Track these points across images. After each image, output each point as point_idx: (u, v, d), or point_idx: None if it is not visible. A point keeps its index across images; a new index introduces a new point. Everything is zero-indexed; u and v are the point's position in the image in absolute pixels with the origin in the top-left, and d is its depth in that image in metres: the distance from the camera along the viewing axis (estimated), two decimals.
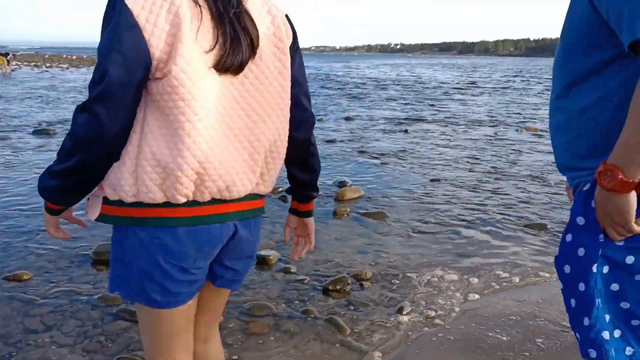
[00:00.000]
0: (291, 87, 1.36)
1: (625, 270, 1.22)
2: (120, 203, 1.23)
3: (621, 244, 1.20)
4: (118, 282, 1.31)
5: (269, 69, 1.29)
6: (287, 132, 1.38)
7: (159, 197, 1.20)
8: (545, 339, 2.61)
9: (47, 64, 39.99)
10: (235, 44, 1.20)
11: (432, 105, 15.03)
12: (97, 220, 1.26)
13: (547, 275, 3.46)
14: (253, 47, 1.24)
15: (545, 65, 61.38)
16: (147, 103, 1.18)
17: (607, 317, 1.25)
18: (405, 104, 15.31)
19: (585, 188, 1.25)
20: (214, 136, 1.21)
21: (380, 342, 2.62)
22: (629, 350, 1.26)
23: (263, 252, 3.68)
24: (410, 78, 29.10)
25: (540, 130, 10.31)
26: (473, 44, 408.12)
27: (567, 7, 1.28)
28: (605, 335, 1.24)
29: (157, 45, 1.12)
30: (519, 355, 2.47)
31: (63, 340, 2.57)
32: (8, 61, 28.28)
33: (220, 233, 1.30)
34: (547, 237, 4.21)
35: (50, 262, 3.50)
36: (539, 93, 20.11)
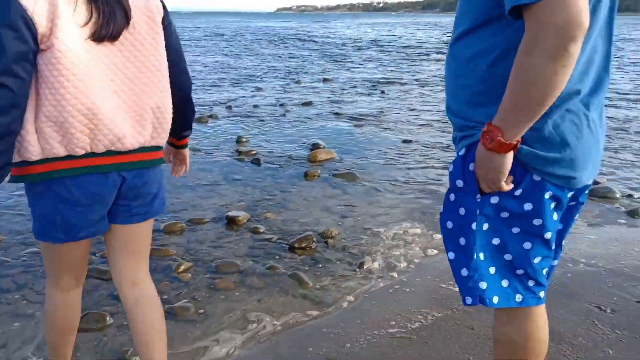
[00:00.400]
0: (170, 54, 1.62)
1: (505, 223, 1.35)
2: (27, 163, 1.44)
3: (495, 200, 1.33)
4: (40, 228, 1.54)
5: (143, 37, 1.53)
6: (169, 91, 1.61)
7: (61, 152, 1.43)
8: None
9: None
10: (110, 17, 1.42)
11: (411, 65, 15.01)
12: (9, 181, 1.46)
13: None
14: (127, 19, 1.47)
15: None
16: (38, 77, 1.39)
17: (493, 269, 1.39)
18: (384, 65, 15.27)
19: (461, 153, 1.36)
20: (98, 96, 1.43)
21: (339, 295, 2.77)
22: (518, 297, 1.40)
23: (233, 213, 3.78)
24: (391, 38, 28.82)
25: None
26: (455, 0, 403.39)
27: None
28: (482, 285, 1.37)
29: (39, 21, 1.33)
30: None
31: (34, 297, 2.67)
32: None
33: (107, 181, 1.52)
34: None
35: (23, 225, 3.55)
36: None
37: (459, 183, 1.37)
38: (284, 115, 7.84)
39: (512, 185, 1.30)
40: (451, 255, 1.43)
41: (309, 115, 7.84)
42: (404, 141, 6.22)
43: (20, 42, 1.31)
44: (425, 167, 5.17)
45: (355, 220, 3.81)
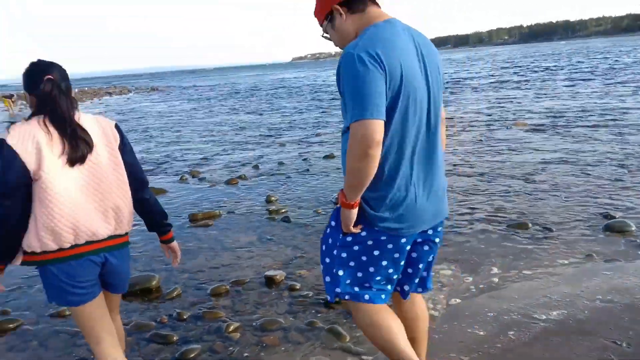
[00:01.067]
0: (126, 167, 2.26)
1: (356, 252, 2.12)
2: (32, 253, 2.13)
3: (349, 239, 2.11)
4: (52, 298, 2.22)
5: (104, 157, 2.19)
6: (128, 195, 2.27)
7: (54, 246, 2.10)
8: (516, 331, 3.03)
9: None
10: (76, 147, 2.10)
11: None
12: (20, 264, 2.17)
13: (529, 273, 3.86)
14: (89, 146, 2.14)
15: (538, 51, 61.59)
16: (34, 196, 2.07)
17: (349, 280, 2.16)
18: None
19: (338, 205, 2.12)
20: (77, 206, 2.11)
21: (375, 349, 3.04)
22: (366, 297, 2.17)
23: (270, 272, 4.12)
24: None
25: (530, 125, 10.72)
26: (467, 36, 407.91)
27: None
28: (338, 289, 2.17)
29: (29, 162, 2.02)
30: (493, 347, 2.89)
31: None
32: (13, 102, 29.02)
33: (95, 258, 2.20)
34: (528, 235, 4.62)
35: None
36: (530, 85, 20.46)
37: (332, 223, 2.18)
38: (308, 170, 8.25)
39: (359, 229, 2.06)
40: (322, 266, 2.26)
41: (332, 167, 8.24)
42: None
43: (18, 177, 2.02)
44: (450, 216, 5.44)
45: None
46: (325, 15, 2.09)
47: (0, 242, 2.09)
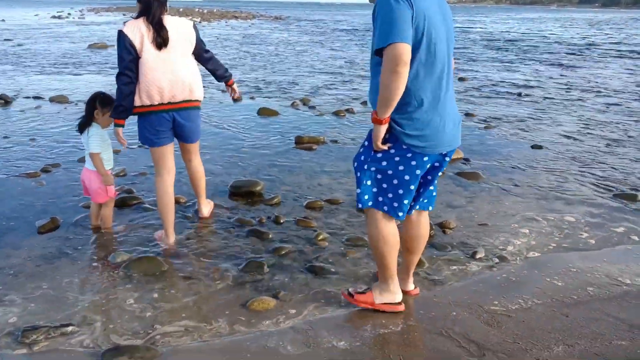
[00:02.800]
0: (199, 49, 3.45)
1: (383, 167, 2.49)
2: (133, 107, 3.27)
3: (379, 155, 2.48)
4: (141, 138, 3.42)
5: (179, 45, 3.30)
6: (197, 73, 3.42)
7: (147, 102, 3.25)
8: (596, 288, 3.03)
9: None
10: (158, 37, 3.21)
11: (555, 67, 14.41)
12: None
13: (623, 239, 3.75)
14: (166, 39, 3.23)
15: None
16: (137, 68, 3.21)
17: (375, 189, 2.55)
18: (525, 65, 14.83)
19: (371, 128, 2.47)
20: (161, 75, 3.22)
21: (450, 274, 3.21)
22: (385, 208, 2.56)
23: None
24: (537, 35, 27.38)
25: None
26: None
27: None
28: (365, 197, 2.57)
29: (136, 44, 3.18)
30: (568, 297, 2.94)
31: (213, 245, 3.50)
32: None
33: (168, 115, 3.33)
34: (635, 207, 4.40)
35: None
36: None
37: (366, 143, 2.56)
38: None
39: (387, 146, 2.43)
40: (355, 180, 2.64)
41: None
42: (534, 147, 6.32)
43: (130, 52, 3.18)
44: (552, 174, 5.29)
45: (473, 216, 4.18)
46: None
47: (126, 101, 3.24)
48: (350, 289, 2.85)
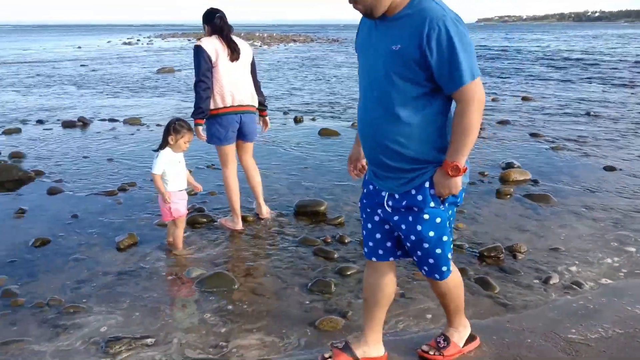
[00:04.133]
0: (253, 68, 4.21)
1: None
2: (209, 110, 3.97)
3: (443, 208, 2.16)
4: (212, 139, 4.09)
5: (244, 60, 4.08)
6: (252, 85, 4.16)
7: (220, 105, 3.96)
8: None
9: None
10: (233, 52, 3.97)
11: (621, 86, 13.78)
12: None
13: None
14: (239, 53, 4.01)
15: None
16: (212, 77, 3.91)
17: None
18: (591, 83, 14.28)
19: (426, 185, 2.13)
20: (233, 83, 3.96)
21: (523, 301, 3.12)
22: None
23: None
24: (603, 52, 26.32)
25: None
26: None
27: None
28: (449, 255, 2.28)
29: (212, 56, 3.90)
30: None
31: (280, 263, 3.58)
32: None
33: (237, 117, 4.04)
34: None
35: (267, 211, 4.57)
36: None
37: (431, 204, 2.13)
38: (480, 132, 8.09)
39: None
40: (439, 250, 2.22)
41: (504, 134, 7.98)
42: (606, 168, 6.06)
43: (207, 63, 3.86)
44: (626, 197, 5.06)
45: (545, 240, 4.05)
46: None
47: (204, 104, 3.88)
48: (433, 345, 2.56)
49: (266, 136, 7.64)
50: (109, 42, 45.63)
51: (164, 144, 3.69)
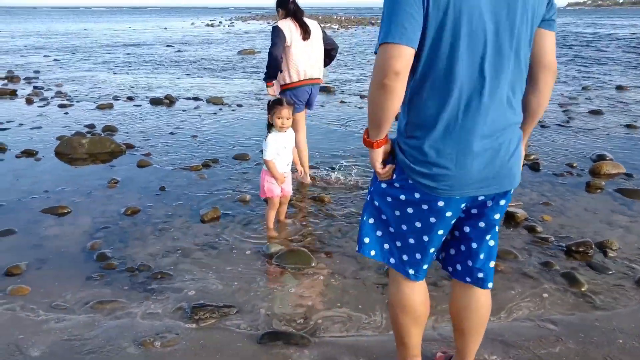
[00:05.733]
0: (325, 41, 4.70)
1: (389, 204, 1.83)
2: (284, 84, 4.56)
3: (384, 185, 1.83)
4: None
5: (317, 39, 4.60)
6: (323, 56, 4.71)
7: (295, 79, 4.53)
8: None
9: (324, 25, 44.84)
10: (305, 32, 4.48)
11: None
12: (279, 92, 4.57)
13: None
14: (309, 32, 4.51)
15: None
16: (286, 54, 4.48)
17: (379, 232, 1.91)
18: None
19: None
20: (304, 60, 4.50)
21: (613, 300, 2.94)
22: (392, 260, 1.92)
23: (511, 209, 4.16)
24: None
25: None
26: None
27: None
28: (366, 240, 1.92)
29: (287, 35, 4.41)
30: None
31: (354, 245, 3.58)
32: None
33: (308, 88, 4.62)
34: None
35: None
36: None
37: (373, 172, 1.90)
38: (568, 122, 7.67)
39: (386, 169, 1.79)
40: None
41: (597, 124, 7.50)
42: None
43: (282, 41, 4.39)
44: None
45: (638, 238, 3.78)
46: None
47: (274, 71, 4.43)
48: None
49: (340, 118, 7.64)
50: (192, 23, 47.27)
51: (268, 125, 3.68)
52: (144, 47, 21.73)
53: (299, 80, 4.51)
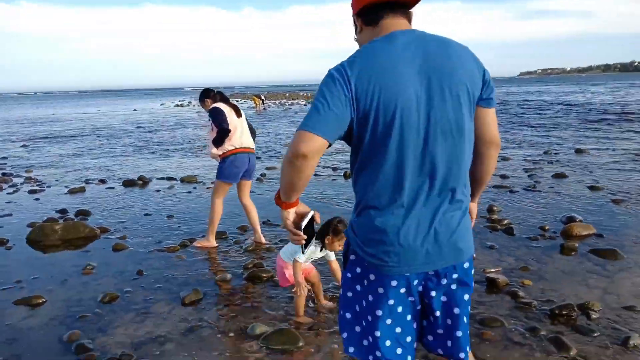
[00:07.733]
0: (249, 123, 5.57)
1: (355, 298, 1.85)
2: (225, 152, 5.16)
3: (349, 275, 1.85)
4: (219, 175, 5.29)
5: (243, 116, 5.44)
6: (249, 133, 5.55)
7: (238, 146, 5.17)
8: None
9: (289, 102, 46.22)
10: (238, 111, 5.35)
11: None
12: (218, 158, 5.26)
13: None
14: (240, 111, 5.38)
15: None
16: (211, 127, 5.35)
17: (358, 328, 1.86)
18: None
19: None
20: (240, 133, 5.20)
21: None
22: (370, 358, 1.83)
23: (492, 275, 4.21)
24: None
25: None
26: None
27: None
28: (344, 334, 1.90)
29: (227, 113, 5.20)
30: None
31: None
32: (262, 100, 33.61)
33: (246, 157, 5.24)
34: None
35: None
36: None
37: (351, 257, 1.88)
38: (535, 186, 7.94)
39: (300, 235, 1.83)
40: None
41: (562, 187, 7.79)
42: None
43: (224, 119, 5.16)
44: None
45: (617, 298, 3.85)
46: (354, 23, 1.89)
47: (223, 137, 5.03)
48: None
49: (316, 193, 7.73)
50: (162, 104, 48.03)
51: (319, 239, 3.44)
52: (114, 129, 21.86)
53: (240, 147, 5.18)
